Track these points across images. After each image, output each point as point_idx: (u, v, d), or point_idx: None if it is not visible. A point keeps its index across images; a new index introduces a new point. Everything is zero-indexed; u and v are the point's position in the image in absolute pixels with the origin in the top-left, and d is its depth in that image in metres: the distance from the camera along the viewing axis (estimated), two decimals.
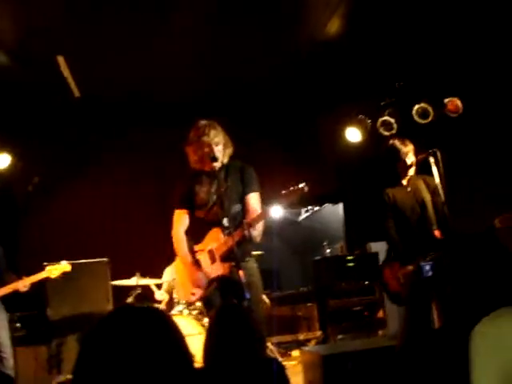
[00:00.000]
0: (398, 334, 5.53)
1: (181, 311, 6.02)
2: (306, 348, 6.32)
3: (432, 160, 5.18)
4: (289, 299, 7.89)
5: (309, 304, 7.85)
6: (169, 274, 6.80)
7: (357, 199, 8.50)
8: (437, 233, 5.42)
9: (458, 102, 6.82)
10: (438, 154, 5.15)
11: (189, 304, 5.87)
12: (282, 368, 3.13)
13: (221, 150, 4.63)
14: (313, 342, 7.61)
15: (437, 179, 5.21)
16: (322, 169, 8.46)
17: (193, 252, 4.70)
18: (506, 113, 6.74)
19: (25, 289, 5.63)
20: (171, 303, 6.48)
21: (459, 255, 2.27)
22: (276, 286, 7.57)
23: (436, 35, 6.63)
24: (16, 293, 5.66)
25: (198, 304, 5.78)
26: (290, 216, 7.80)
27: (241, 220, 4.50)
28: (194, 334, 5.71)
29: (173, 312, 6.09)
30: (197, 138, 4.61)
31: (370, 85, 7.52)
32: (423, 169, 5.48)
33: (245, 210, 4.60)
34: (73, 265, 6.68)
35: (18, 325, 6.60)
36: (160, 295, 6.92)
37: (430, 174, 5.29)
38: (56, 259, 6.46)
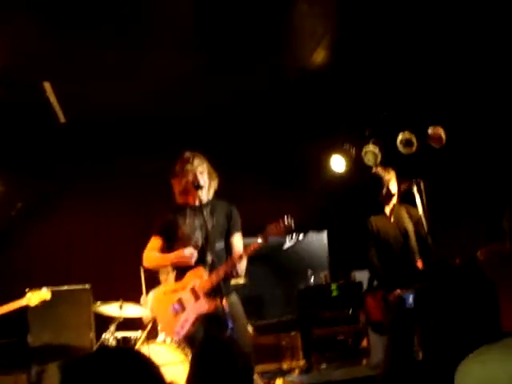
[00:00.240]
0: (380, 363, 5.51)
1: (164, 340, 5.96)
2: (289, 378, 6.28)
3: (415, 189, 5.23)
4: (272, 328, 7.83)
5: (292, 333, 7.80)
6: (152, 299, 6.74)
7: (341, 227, 8.51)
8: (419, 263, 5.45)
9: (442, 133, 6.88)
10: (422, 183, 5.20)
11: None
12: None
13: (205, 179, 4.65)
14: (296, 371, 7.55)
15: (420, 209, 5.25)
16: (307, 197, 8.47)
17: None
18: (489, 144, 6.81)
19: None
20: (155, 331, 6.42)
21: (442, 286, 2.28)
22: (261, 314, 7.53)
23: (420, 65, 6.70)
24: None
25: None
26: (273, 243, 7.77)
27: (225, 257, 4.52)
28: (176, 362, 5.66)
29: (157, 341, 6.04)
30: (181, 168, 4.64)
31: (355, 114, 7.58)
32: (406, 198, 5.52)
33: (229, 248, 4.63)
34: (54, 291, 6.60)
35: None
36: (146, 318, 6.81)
37: (413, 203, 5.33)
38: (38, 285, 6.39)
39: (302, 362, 7.61)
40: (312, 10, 5.61)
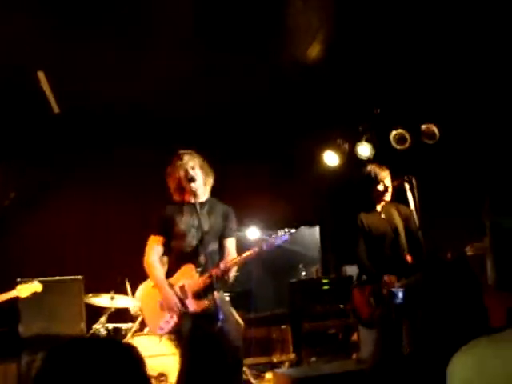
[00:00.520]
0: (369, 357, 5.55)
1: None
2: (279, 371, 6.31)
3: (407, 186, 5.25)
4: (263, 321, 7.86)
5: (283, 326, 7.83)
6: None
7: (333, 222, 8.54)
8: (408, 258, 5.47)
9: (435, 130, 6.92)
10: (414, 180, 5.22)
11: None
12: None
13: (198, 173, 4.66)
14: (286, 365, 7.59)
15: (412, 205, 5.27)
16: (299, 191, 8.50)
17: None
18: (482, 140, 6.84)
19: None
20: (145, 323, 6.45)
21: (431, 281, 2.30)
22: (251, 307, 7.55)
23: (415, 62, 6.72)
24: None
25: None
26: (265, 238, 7.80)
27: (217, 259, 4.54)
28: (167, 353, 5.69)
29: (145, 331, 6.06)
30: (173, 165, 4.68)
31: (349, 109, 7.60)
32: (397, 195, 5.55)
33: (223, 251, 4.65)
34: (47, 282, 6.62)
35: None
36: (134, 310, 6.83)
37: (404, 200, 5.36)
38: (30, 275, 6.41)
39: (292, 356, 7.64)
40: (306, 4, 5.62)
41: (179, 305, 4.49)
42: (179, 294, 4.53)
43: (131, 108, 7.53)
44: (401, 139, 7.18)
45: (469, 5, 5.68)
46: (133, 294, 6.48)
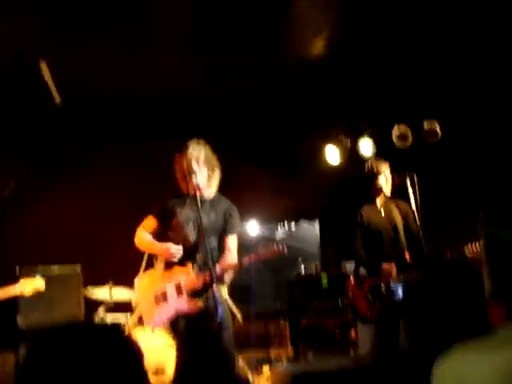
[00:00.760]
0: (368, 354, 5.55)
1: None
2: (276, 365, 6.32)
3: (408, 183, 5.25)
4: (261, 316, 7.86)
5: (281, 321, 7.83)
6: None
7: (333, 218, 8.53)
8: (407, 256, 5.48)
9: (437, 128, 6.91)
10: (415, 177, 5.22)
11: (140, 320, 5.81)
12: None
13: (201, 167, 4.62)
14: (283, 360, 7.59)
15: (412, 202, 5.27)
16: (300, 187, 8.48)
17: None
18: (484, 139, 6.83)
19: None
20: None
21: (432, 279, 2.30)
22: (250, 301, 7.56)
23: (418, 59, 6.70)
24: None
25: None
26: (265, 233, 7.81)
27: (216, 257, 4.52)
28: (165, 346, 5.69)
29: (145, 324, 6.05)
30: (180, 154, 4.64)
31: (351, 106, 7.58)
32: (399, 192, 5.54)
33: (222, 249, 4.62)
34: (45, 272, 6.62)
35: None
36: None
37: (404, 197, 5.36)
38: (30, 263, 6.41)
39: (289, 351, 7.65)
40: (310, 1, 5.61)
41: (176, 249, 4.47)
42: (174, 292, 4.51)
43: (133, 99, 7.50)
44: (402, 137, 7.17)
45: (472, 2, 5.67)
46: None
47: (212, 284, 4.20)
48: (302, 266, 8.28)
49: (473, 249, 4.85)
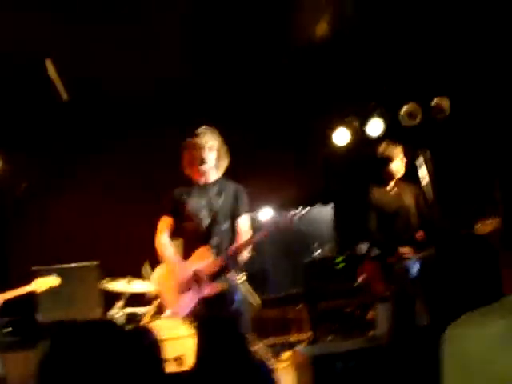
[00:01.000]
0: (386, 333, 5.57)
1: (171, 315, 5.99)
2: (298, 349, 6.34)
3: (421, 159, 5.25)
4: (279, 301, 7.87)
5: (299, 306, 7.85)
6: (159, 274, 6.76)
7: (347, 200, 8.51)
8: (419, 235, 5.49)
9: (446, 104, 6.88)
10: (428, 153, 5.22)
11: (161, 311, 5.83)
12: (270, 371, 3.15)
13: (212, 156, 4.63)
14: (303, 344, 7.61)
15: (425, 179, 5.27)
16: (311, 170, 8.47)
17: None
18: (493, 116, 6.79)
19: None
20: (162, 306, 6.47)
21: (446, 255, 2.29)
22: (267, 288, 7.58)
23: (424, 37, 6.66)
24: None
25: None
26: (279, 217, 7.81)
27: (230, 238, 4.53)
28: (184, 336, 5.71)
29: (164, 314, 6.08)
30: (190, 140, 4.64)
31: (359, 87, 7.55)
32: (410, 170, 5.55)
33: (235, 230, 4.63)
34: (63, 269, 6.67)
35: (8, 330, 6.57)
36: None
37: (415, 177, 5.37)
38: (47, 262, 6.46)
39: (308, 335, 7.66)
40: None
41: (188, 275, 4.50)
42: (195, 277, 4.53)
43: (141, 94, 7.52)
44: (411, 115, 7.15)
45: None
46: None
47: (228, 267, 4.23)
48: (318, 250, 8.28)
49: (486, 223, 4.86)
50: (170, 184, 4.95)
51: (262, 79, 7.51)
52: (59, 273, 6.65)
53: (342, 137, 7.94)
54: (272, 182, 7.83)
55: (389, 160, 5.56)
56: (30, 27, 5.84)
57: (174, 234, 4.80)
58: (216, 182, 4.71)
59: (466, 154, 6.98)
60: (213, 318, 3.28)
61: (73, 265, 7.05)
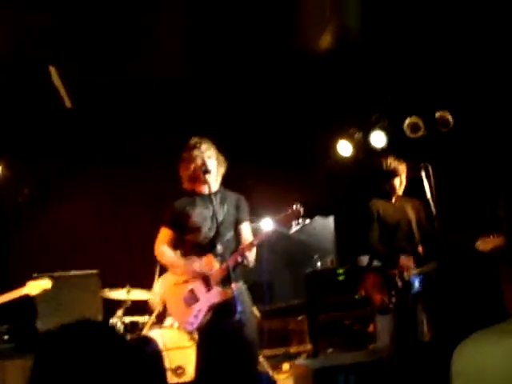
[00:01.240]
0: (386, 347, 5.56)
1: (172, 324, 5.99)
2: (297, 361, 6.32)
3: (423, 173, 5.26)
4: (279, 312, 7.86)
5: (299, 317, 7.83)
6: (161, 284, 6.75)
7: (348, 212, 8.51)
8: (420, 249, 5.51)
9: (449, 117, 6.89)
10: (430, 167, 5.22)
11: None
12: (272, 382, 3.14)
13: (213, 164, 4.62)
14: (303, 356, 7.59)
15: (428, 193, 5.27)
16: (313, 181, 8.47)
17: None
18: (498, 130, 6.79)
19: None
20: (163, 315, 6.45)
21: (447, 270, 2.28)
22: (267, 299, 7.56)
23: (428, 49, 6.67)
24: (3, 304, 5.63)
25: None
26: (280, 228, 7.79)
27: (234, 247, 4.53)
28: (185, 346, 5.69)
29: (164, 324, 6.07)
30: (188, 153, 4.61)
31: (362, 99, 7.56)
32: (412, 183, 5.55)
33: (238, 238, 4.63)
34: (63, 277, 6.67)
35: (6, 337, 6.55)
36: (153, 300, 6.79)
37: (419, 189, 5.37)
38: (47, 270, 6.44)
39: (308, 347, 7.64)
40: None
41: (201, 268, 4.48)
42: (203, 288, 4.51)
43: (143, 100, 7.53)
44: (414, 127, 7.15)
45: None
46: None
47: (233, 274, 4.21)
48: (319, 262, 8.28)
49: (487, 241, 4.86)
50: (172, 193, 4.94)
51: (266, 90, 7.52)
52: (59, 280, 6.65)
53: (344, 149, 7.94)
54: (274, 192, 7.83)
55: (393, 174, 5.58)
56: (34, 34, 5.86)
57: (174, 247, 4.77)
58: (217, 191, 4.70)
59: (470, 168, 6.97)
60: (215, 328, 3.26)
61: (73, 273, 7.05)
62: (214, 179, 4.67)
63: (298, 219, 4.53)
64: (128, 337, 6.05)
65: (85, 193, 8.10)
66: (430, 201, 5.27)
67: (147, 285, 6.76)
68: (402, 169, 5.63)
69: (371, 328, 7.39)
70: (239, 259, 4.41)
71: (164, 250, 4.69)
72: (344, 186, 8.67)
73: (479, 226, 5.92)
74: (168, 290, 4.75)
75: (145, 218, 7.66)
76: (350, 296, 7.41)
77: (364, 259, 7.59)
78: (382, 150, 7.40)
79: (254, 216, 4.90)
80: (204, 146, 4.59)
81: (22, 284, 5.80)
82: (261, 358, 6.75)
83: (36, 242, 7.81)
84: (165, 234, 4.73)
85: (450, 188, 6.45)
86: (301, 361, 6.75)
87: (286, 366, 7.16)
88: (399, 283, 5.29)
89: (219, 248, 4.44)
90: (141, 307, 6.75)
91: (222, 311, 4.29)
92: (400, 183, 5.63)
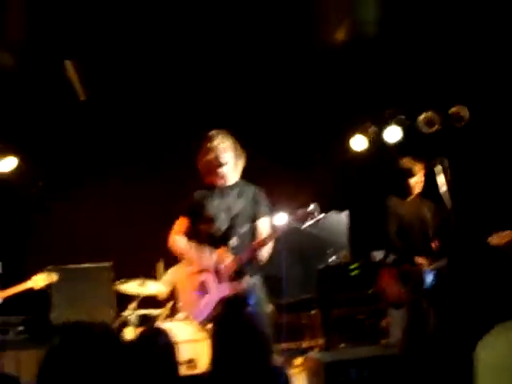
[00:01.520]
0: (399, 342, 5.56)
1: (184, 317, 6.00)
2: (310, 355, 6.32)
3: (439, 168, 5.26)
4: (292, 307, 7.85)
5: (312, 312, 7.82)
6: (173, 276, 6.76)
7: (362, 207, 8.49)
8: (434, 245, 5.53)
9: (464, 112, 6.85)
10: (446, 161, 5.22)
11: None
12: (287, 377, 3.13)
13: (229, 156, 4.61)
14: (316, 350, 7.58)
15: (442, 188, 5.27)
16: (327, 176, 8.45)
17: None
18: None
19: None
20: (175, 308, 6.47)
21: (461, 265, 2.27)
22: (281, 293, 7.56)
23: (443, 43, 6.63)
24: (18, 296, 5.68)
25: None
26: (294, 223, 7.78)
27: (250, 241, 4.51)
28: (197, 339, 5.70)
29: (177, 317, 6.08)
30: (204, 146, 4.62)
31: (377, 93, 7.53)
32: (428, 179, 5.56)
33: (254, 232, 4.61)
34: (77, 269, 6.71)
35: (21, 328, 6.60)
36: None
37: (432, 185, 5.39)
38: (60, 262, 6.48)
39: (321, 341, 7.63)
40: None
41: (212, 261, 4.48)
42: (214, 280, 4.52)
43: (158, 94, 7.54)
44: (429, 122, 7.12)
45: None
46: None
47: (246, 266, 4.22)
48: (332, 257, 8.26)
49: (501, 236, 4.86)
50: (187, 185, 4.94)
51: (281, 85, 7.50)
52: (73, 273, 6.71)
53: (359, 143, 7.91)
54: (288, 187, 7.80)
55: (409, 174, 5.63)
56: (50, 27, 5.88)
57: (189, 237, 4.78)
58: (236, 184, 4.69)
59: (485, 163, 6.93)
60: (231, 318, 3.25)
61: (87, 265, 7.08)
62: (232, 172, 4.66)
63: (312, 218, 4.51)
64: (140, 329, 6.07)
65: (100, 185, 8.10)
66: (445, 195, 5.26)
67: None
68: (419, 168, 5.67)
69: (384, 323, 7.38)
70: (251, 255, 4.40)
71: (177, 238, 4.71)
72: (359, 181, 8.64)
73: (494, 221, 5.90)
74: (180, 281, 4.77)
75: (160, 209, 7.65)
76: (363, 291, 7.41)
77: (377, 254, 7.58)
78: (397, 144, 7.38)
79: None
80: (219, 139, 4.59)
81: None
82: (275, 352, 6.76)
83: (50, 235, 7.84)
84: (181, 222, 4.75)
85: (465, 183, 6.43)
86: (313, 354, 6.75)
87: (298, 361, 7.16)
88: (413, 278, 5.31)
89: (234, 241, 4.44)
90: (154, 300, 6.78)
91: (235, 304, 4.30)
92: (416, 183, 5.67)
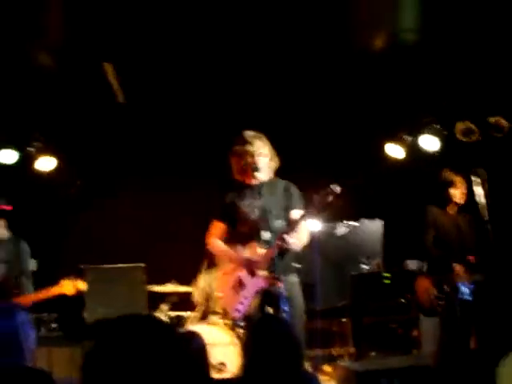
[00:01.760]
0: (432, 353, 5.52)
1: (216, 321, 6.02)
2: (341, 363, 6.29)
3: (477, 179, 5.22)
4: (324, 313, 7.81)
5: (343, 319, 7.78)
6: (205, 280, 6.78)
7: (396, 216, 8.43)
8: (471, 258, 5.50)
9: (503, 122, 6.78)
10: (484, 173, 5.18)
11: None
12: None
13: (265, 162, 4.63)
14: (345, 358, 7.54)
15: (479, 198, 5.22)
16: (362, 184, 8.39)
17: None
18: None
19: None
20: (207, 312, 6.50)
21: (498, 279, 2.25)
22: (314, 299, 7.55)
23: (479, 52, 6.57)
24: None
25: None
26: (327, 230, 7.77)
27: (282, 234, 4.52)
28: (228, 343, 5.71)
29: (208, 321, 6.10)
30: (241, 147, 4.63)
31: (414, 102, 7.47)
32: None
33: (287, 224, 4.62)
34: (110, 269, 6.77)
35: (55, 325, 6.68)
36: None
37: (471, 197, 5.38)
38: (95, 262, 6.55)
39: (351, 349, 7.58)
40: None
41: (247, 255, 4.51)
42: (247, 274, 4.54)
43: (194, 97, 7.58)
44: (468, 132, 7.04)
45: None
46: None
47: (277, 261, 4.22)
48: (365, 265, 8.21)
49: None
50: (219, 186, 4.98)
51: (318, 92, 7.48)
52: (106, 273, 6.78)
53: (395, 152, 7.84)
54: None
55: (450, 185, 5.65)
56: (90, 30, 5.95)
57: (226, 241, 4.83)
58: (267, 181, 4.71)
59: None
60: (265, 323, 3.25)
61: (120, 265, 7.13)
62: (265, 173, 4.69)
63: (334, 198, 4.46)
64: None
65: (137, 188, 8.15)
66: (483, 207, 5.21)
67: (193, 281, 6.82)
68: (460, 180, 5.68)
69: (415, 333, 7.31)
70: (280, 243, 4.38)
71: (215, 241, 4.78)
72: (393, 189, 8.57)
73: None
74: (219, 280, 4.81)
75: (194, 212, 7.68)
76: (395, 300, 7.36)
77: (411, 263, 7.53)
78: (435, 154, 7.32)
79: None
80: (258, 144, 4.61)
81: (69, 275, 5.91)
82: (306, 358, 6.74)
83: (86, 234, 7.92)
84: (216, 226, 4.81)
85: (504, 194, 6.36)
86: (344, 363, 6.71)
87: (327, 368, 7.12)
88: (448, 288, 5.28)
89: (267, 235, 4.44)
90: (185, 302, 6.81)
91: (270, 301, 4.30)
92: (457, 194, 5.69)
